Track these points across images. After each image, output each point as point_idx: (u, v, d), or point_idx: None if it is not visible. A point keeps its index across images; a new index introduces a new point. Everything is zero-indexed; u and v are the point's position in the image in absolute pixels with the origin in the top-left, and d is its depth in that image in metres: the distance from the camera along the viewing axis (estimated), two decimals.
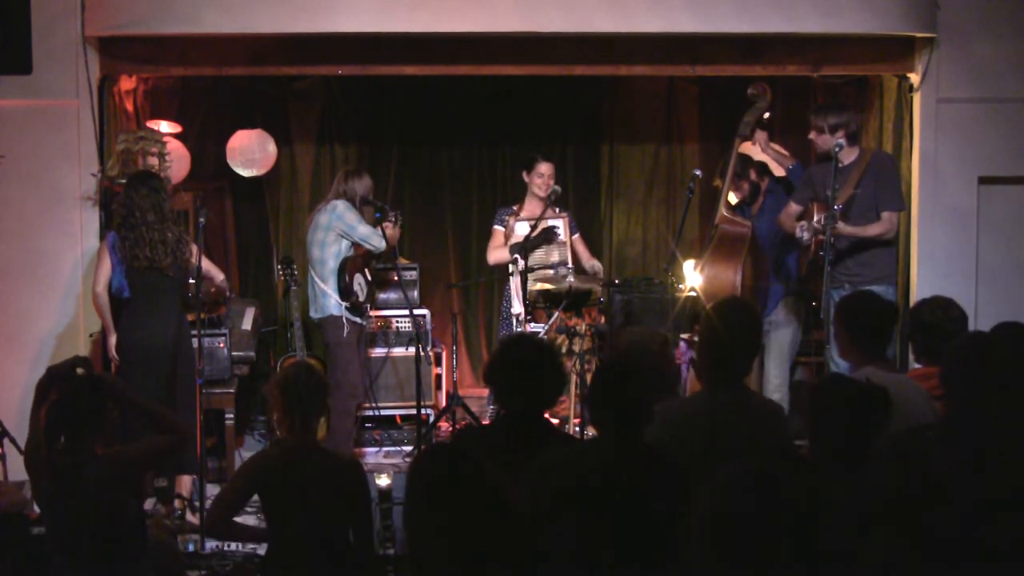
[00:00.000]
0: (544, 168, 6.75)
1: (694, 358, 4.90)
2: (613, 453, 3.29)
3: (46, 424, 3.67)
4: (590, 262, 6.91)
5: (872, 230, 5.70)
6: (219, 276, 5.86)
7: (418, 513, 2.70)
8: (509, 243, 6.67)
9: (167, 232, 5.53)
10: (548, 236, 6.68)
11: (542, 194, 6.75)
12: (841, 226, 5.57)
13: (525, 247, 6.42)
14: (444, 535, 2.62)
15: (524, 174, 6.85)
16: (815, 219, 5.74)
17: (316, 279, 6.29)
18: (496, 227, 6.87)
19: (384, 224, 6.34)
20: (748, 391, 3.80)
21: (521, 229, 6.70)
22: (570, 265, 6.62)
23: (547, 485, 3.25)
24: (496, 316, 8.14)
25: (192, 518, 5.62)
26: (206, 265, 5.56)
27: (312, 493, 3.70)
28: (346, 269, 6.25)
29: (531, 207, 6.82)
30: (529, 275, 6.44)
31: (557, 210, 6.88)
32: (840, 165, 5.77)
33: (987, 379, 3.40)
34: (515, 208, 6.89)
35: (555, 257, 6.70)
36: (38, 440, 3.76)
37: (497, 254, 6.80)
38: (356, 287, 6.30)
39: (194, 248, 5.54)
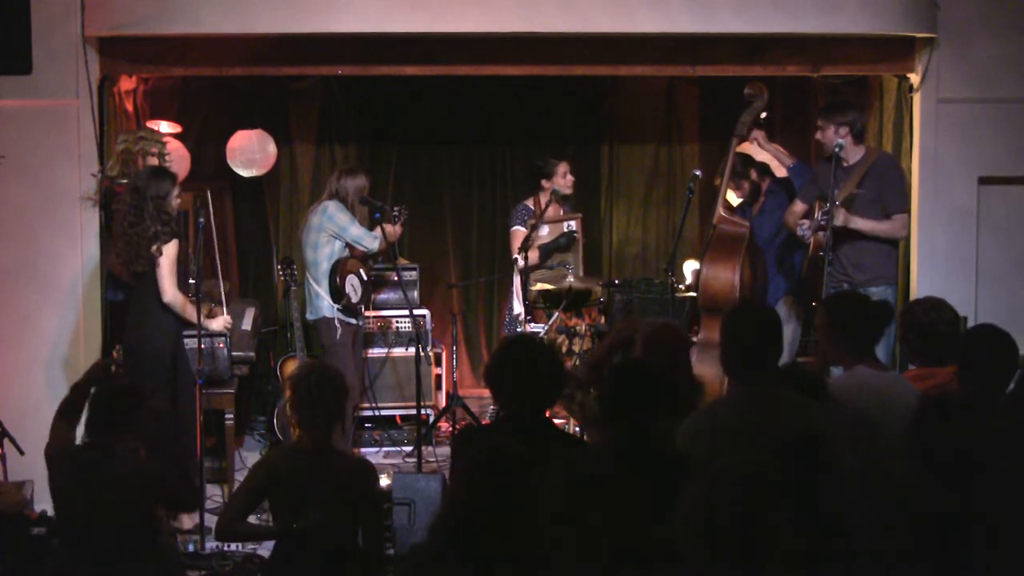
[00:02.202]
0: (563, 168, 6.81)
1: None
2: (628, 452, 3.29)
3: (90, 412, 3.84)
4: None
5: (884, 226, 5.70)
6: (215, 324, 5.83)
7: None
8: (534, 244, 6.65)
9: (139, 234, 5.46)
10: (568, 241, 6.75)
11: (569, 191, 6.85)
12: (856, 220, 5.59)
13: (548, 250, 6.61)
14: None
15: (543, 181, 6.81)
16: (816, 215, 5.75)
17: (311, 280, 6.30)
18: (518, 227, 6.79)
19: (384, 223, 6.34)
20: (781, 388, 3.64)
21: (543, 231, 6.75)
22: (571, 266, 6.64)
23: (563, 486, 3.26)
24: (497, 316, 8.15)
25: (188, 521, 5.63)
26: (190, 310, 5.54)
27: (321, 494, 3.69)
28: (338, 271, 6.26)
29: (545, 207, 6.78)
30: (531, 274, 6.47)
31: (564, 210, 6.91)
32: (845, 164, 5.78)
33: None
34: (531, 206, 6.85)
35: (570, 260, 6.74)
36: (61, 445, 3.89)
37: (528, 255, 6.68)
38: (349, 288, 6.30)
39: (170, 246, 5.49)
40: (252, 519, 4.01)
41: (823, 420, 3.55)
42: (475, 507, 2.76)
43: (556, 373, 3.74)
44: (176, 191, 5.60)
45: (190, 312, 5.49)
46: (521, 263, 6.34)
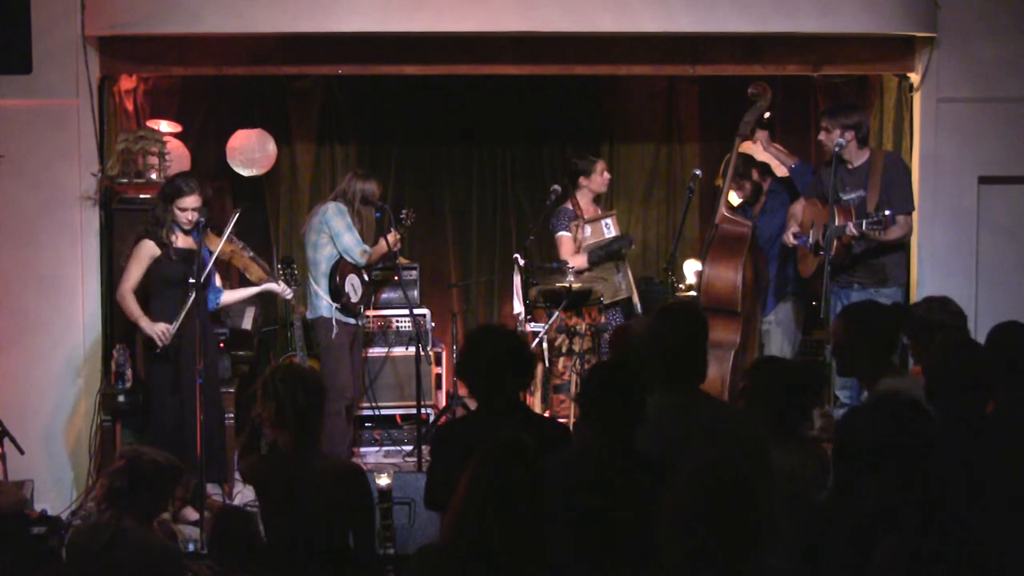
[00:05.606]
0: (601, 165, 6.71)
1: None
2: (606, 456, 3.28)
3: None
4: None
5: (892, 234, 5.64)
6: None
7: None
8: (582, 246, 6.58)
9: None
10: (620, 247, 6.63)
11: (606, 189, 6.79)
12: (882, 234, 5.52)
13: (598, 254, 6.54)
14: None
15: (581, 179, 6.68)
16: (854, 222, 5.55)
17: (311, 280, 6.31)
18: (563, 233, 6.65)
19: (387, 230, 6.35)
20: (703, 394, 3.68)
21: (585, 231, 6.67)
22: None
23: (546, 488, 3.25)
24: (497, 316, 8.15)
25: (192, 513, 5.63)
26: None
27: (308, 500, 3.64)
28: (337, 271, 6.26)
29: (585, 207, 6.72)
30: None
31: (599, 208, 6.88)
32: (850, 166, 5.76)
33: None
34: (570, 207, 6.72)
35: (622, 264, 6.70)
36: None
37: (577, 260, 6.51)
38: (348, 288, 6.30)
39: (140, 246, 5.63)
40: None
41: (749, 429, 3.57)
42: (492, 502, 2.74)
43: (524, 358, 3.75)
44: (189, 201, 5.60)
45: (130, 311, 5.61)
46: (522, 262, 6.33)
